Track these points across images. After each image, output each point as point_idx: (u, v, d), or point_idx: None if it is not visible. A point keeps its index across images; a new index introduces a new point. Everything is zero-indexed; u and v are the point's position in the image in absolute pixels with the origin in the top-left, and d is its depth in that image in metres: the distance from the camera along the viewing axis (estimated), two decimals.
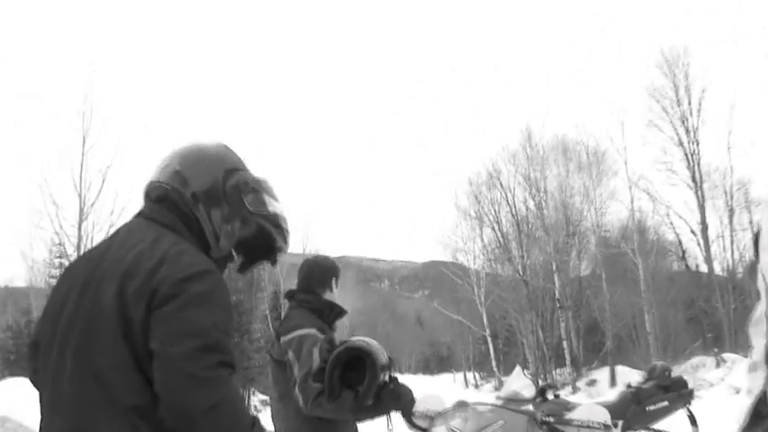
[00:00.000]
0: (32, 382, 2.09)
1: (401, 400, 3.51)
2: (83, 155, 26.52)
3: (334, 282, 4.05)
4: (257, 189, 2.29)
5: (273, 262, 2.49)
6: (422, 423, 3.46)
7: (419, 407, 3.53)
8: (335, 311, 3.96)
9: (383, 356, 3.45)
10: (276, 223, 2.36)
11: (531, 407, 9.88)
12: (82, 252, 26.53)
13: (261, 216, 2.28)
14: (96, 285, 1.93)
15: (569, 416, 3.37)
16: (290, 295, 4.05)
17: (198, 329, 1.84)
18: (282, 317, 4.11)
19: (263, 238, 2.33)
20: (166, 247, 1.97)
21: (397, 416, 3.70)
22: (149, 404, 1.81)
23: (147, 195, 2.20)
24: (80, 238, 26.63)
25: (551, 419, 3.34)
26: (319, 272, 4.05)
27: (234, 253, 2.29)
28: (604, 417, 3.35)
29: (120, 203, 29.42)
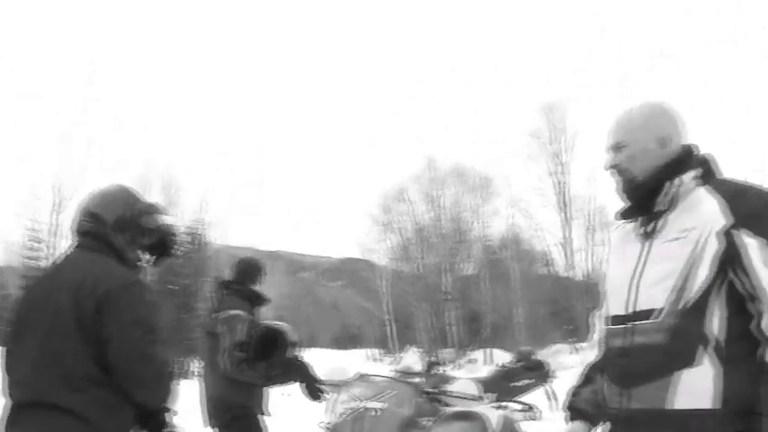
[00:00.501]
0: (6, 362, 2.33)
1: (303, 373, 3.81)
2: (59, 152, 25.78)
3: (261, 278, 4.33)
4: (150, 212, 2.61)
5: (172, 256, 2.78)
6: (329, 389, 3.46)
7: (326, 376, 3.58)
8: (261, 300, 4.23)
9: (293, 337, 3.84)
10: (165, 233, 2.67)
11: (418, 379, 9.91)
12: (57, 238, 25.85)
13: (154, 230, 2.60)
14: (56, 296, 2.27)
15: (448, 388, 3.36)
16: (226, 285, 4.29)
17: (142, 320, 2.29)
18: (217, 301, 4.27)
19: (160, 244, 2.65)
20: (102, 266, 2.37)
21: (298, 386, 3.93)
22: (98, 374, 2.19)
23: (77, 231, 2.53)
24: (56, 226, 25.81)
25: (434, 390, 3.32)
26: (252, 269, 4.33)
27: (142, 257, 2.60)
28: (475, 390, 3.38)
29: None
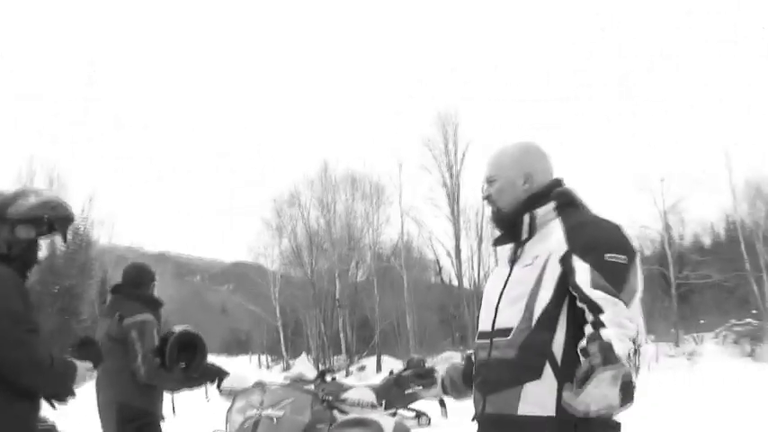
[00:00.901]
0: None
1: (219, 375, 3.83)
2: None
3: (152, 282, 4.33)
4: (13, 200, 2.68)
5: (64, 236, 2.90)
6: (228, 398, 3.42)
7: (226, 384, 3.57)
8: (158, 304, 4.23)
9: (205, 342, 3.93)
10: (35, 216, 2.68)
11: (312, 386, 9.89)
12: None
13: (21, 219, 2.65)
14: None
15: (344, 395, 3.43)
16: (118, 289, 4.31)
17: (10, 310, 2.38)
18: (111, 306, 4.27)
19: (40, 225, 2.72)
20: None
21: (212, 387, 3.98)
22: None
23: None
24: None
25: (330, 398, 3.36)
26: (144, 273, 4.32)
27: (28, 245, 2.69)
28: (372, 398, 3.47)
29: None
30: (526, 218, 2.18)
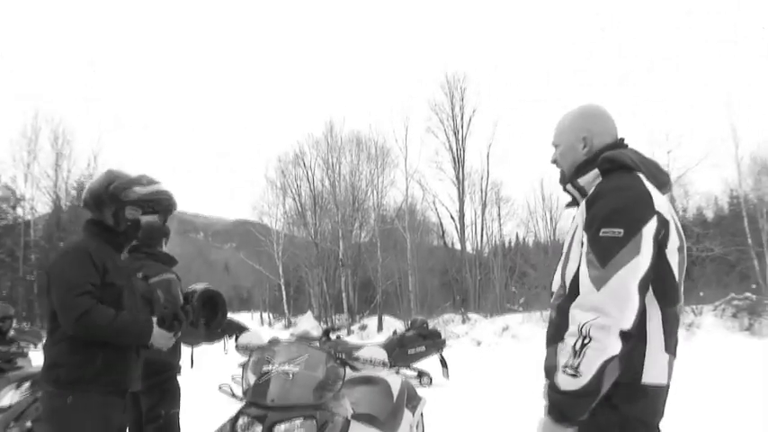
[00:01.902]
0: None
1: (239, 330, 4.06)
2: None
3: (165, 241, 4.33)
4: (129, 186, 3.26)
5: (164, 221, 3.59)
6: (243, 354, 3.46)
7: (241, 341, 3.57)
8: (173, 262, 4.32)
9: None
10: (145, 200, 3.31)
11: (317, 344, 9.98)
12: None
13: (133, 201, 3.27)
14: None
15: (357, 353, 3.46)
16: (135, 248, 4.17)
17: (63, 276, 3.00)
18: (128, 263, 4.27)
19: (143, 210, 3.32)
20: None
21: (230, 341, 4.17)
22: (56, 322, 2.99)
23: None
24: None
25: (343, 355, 3.39)
26: (158, 233, 4.10)
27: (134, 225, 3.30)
28: (383, 356, 3.49)
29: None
30: (570, 187, 2.33)
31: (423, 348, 11.16)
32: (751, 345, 16.10)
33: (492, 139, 33.20)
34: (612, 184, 2.12)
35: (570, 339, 1.94)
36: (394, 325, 25.81)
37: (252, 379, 3.15)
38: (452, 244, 36.12)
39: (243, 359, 3.43)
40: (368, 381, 4.50)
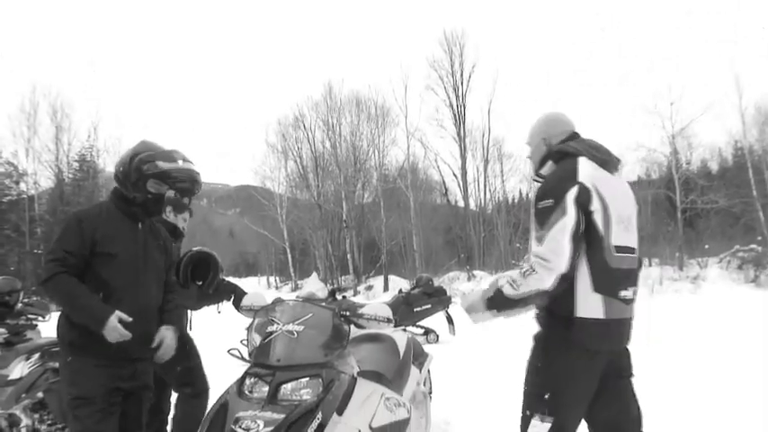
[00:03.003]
0: None
1: (235, 293, 4.13)
2: None
3: (170, 210, 4.27)
4: (152, 160, 3.25)
5: (188, 201, 3.56)
6: (247, 315, 3.46)
7: (245, 302, 3.59)
8: (177, 232, 4.29)
9: (220, 260, 4.11)
10: (166, 175, 3.27)
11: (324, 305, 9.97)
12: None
13: (154, 176, 3.25)
14: None
15: (361, 311, 3.44)
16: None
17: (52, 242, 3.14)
18: None
19: (168, 186, 3.31)
20: None
21: (228, 305, 4.27)
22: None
23: None
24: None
25: (347, 313, 3.38)
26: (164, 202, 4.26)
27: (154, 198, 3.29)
28: (387, 313, 3.47)
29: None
30: (534, 179, 3.02)
31: (428, 306, 11.17)
32: (756, 296, 16.14)
33: (492, 95, 33.15)
34: (552, 172, 2.84)
35: (521, 269, 2.64)
36: (400, 284, 25.89)
37: (257, 340, 3.14)
38: (456, 201, 36.19)
39: (248, 322, 3.43)
40: (374, 338, 4.50)
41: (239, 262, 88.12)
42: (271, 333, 3.09)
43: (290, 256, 43.41)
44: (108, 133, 55.61)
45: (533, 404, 2.71)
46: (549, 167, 2.90)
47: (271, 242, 47.59)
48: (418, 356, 4.77)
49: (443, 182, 35.81)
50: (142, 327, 3.20)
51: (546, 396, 2.66)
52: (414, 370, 4.39)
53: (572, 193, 2.58)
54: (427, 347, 9.21)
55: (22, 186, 34.34)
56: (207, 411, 2.99)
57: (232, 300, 4.24)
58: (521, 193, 40.80)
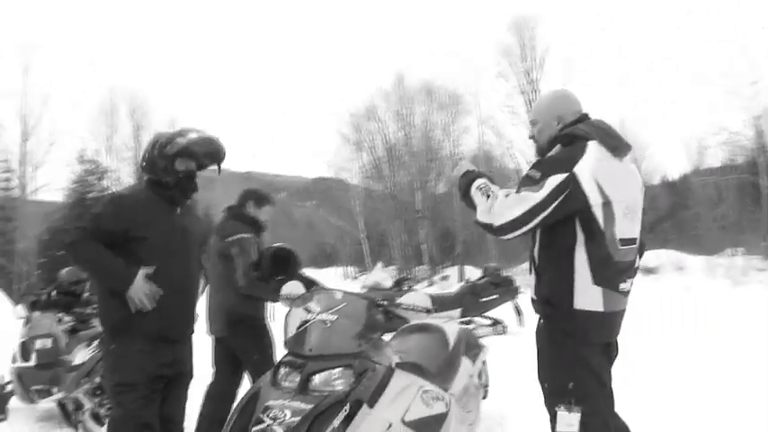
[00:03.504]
0: None
1: (312, 286, 4.03)
2: (24, 84, 25.00)
3: (251, 204, 4.70)
4: (172, 139, 3.30)
5: (218, 168, 3.56)
6: (286, 304, 3.45)
7: (284, 291, 3.59)
8: (258, 225, 4.64)
9: (299, 256, 4.27)
10: (188, 149, 3.31)
11: (388, 294, 9.89)
12: (26, 167, 25.51)
13: (177, 154, 3.29)
14: None
15: (399, 300, 3.36)
16: (230, 209, 4.76)
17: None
18: (221, 224, 4.69)
19: (195, 159, 3.37)
20: None
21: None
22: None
23: None
24: (24, 154, 25.35)
25: (385, 302, 3.31)
26: (245, 197, 4.75)
27: (181, 178, 3.35)
28: (427, 303, 3.38)
29: (59, 126, 28.26)
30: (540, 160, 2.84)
31: (495, 296, 10.95)
32: None
33: (566, 80, 32.18)
34: (557, 152, 2.76)
35: (486, 190, 2.77)
36: (475, 274, 25.55)
37: (292, 329, 3.11)
38: None
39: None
40: (423, 329, 4.42)
41: (317, 253, 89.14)
42: (305, 322, 3.05)
43: (365, 246, 43.67)
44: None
45: (558, 396, 2.68)
46: (556, 151, 2.78)
47: (347, 233, 47.96)
48: (472, 348, 4.67)
49: (518, 170, 35.25)
50: (181, 308, 3.38)
51: (570, 386, 2.64)
52: (465, 362, 4.29)
53: (556, 179, 2.55)
54: (495, 339, 9.05)
55: (105, 183, 35.58)
56: (240, 399, 2.97)
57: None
58: None
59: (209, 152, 3.41)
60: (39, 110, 25.23)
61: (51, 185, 32.45)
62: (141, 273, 3.11)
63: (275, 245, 4.46)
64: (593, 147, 2.63)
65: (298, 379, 2.84)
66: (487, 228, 2.68)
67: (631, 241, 2.71)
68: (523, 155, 33.27)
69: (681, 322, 10.34)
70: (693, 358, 7.51)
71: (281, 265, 4.31)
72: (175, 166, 3.31)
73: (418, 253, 36.37)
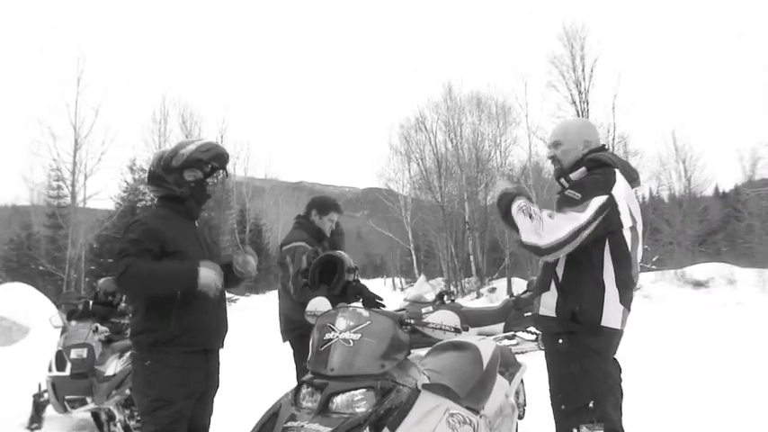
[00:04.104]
0: None
1: (362, 294, 4.10)
2: (77, 93, 25.53)
3: (314, 213, 4.95)
4: (175, 152, 3.34)
5: (222, 174, 3.62)
6: (311, 320, 3.34)
7: (310, 307, 3.49)
8: (320, 233, 4.89)
9: (350, 263, 4.16)
10: (193, 157, 3.33)
11: (431, 307, 9.75)
12: (77, 175, 26.17)
13: (184, 165, 3.32)
14: None
15: (426, 319, 3.21)
16: (297, 218, 5.03)
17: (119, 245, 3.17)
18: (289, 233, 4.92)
19: (201, 167, 3.40)
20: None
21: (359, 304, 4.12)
22: None
23: None
24: (75, 164, 25.92)
25: (412, 321, 3.17)
26: (310, 206, 4.99)
27: (193, 191, 3.40)
28: (455, 321, 3.22)
29: (110, 135, 28.83)
30: (562, 180, 3.05)
31: None
32: None
33: (617, 90, 31.64)
34: (588, 177, 2.89)
35: (528, 210, 2.80)
36: (522, 286, 25.20)
37: (313, 348, 3.01)
38: None
39: None
40: (457, 347, 4.29)
41: (366, 263, 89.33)
42: (328, 341, 2.95)
43: (414, 257, 43.53)
44: (236, 139, 57.90)
45: (579, 416, 2.76)
46: (580, 173, 2.95)
47: (396, 244, 47.94)
48: (509, 367, 4.53)
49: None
50: (216, 318, 3.45)
51: (590, 404, 2.73)
52: (501, 381, 4.16)
53: (599, 200, 2.68)
54: (535, 355, 8.84)
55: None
56: (260, 418, 2.88)
57: (361, 301, 4.22)
58: (650, 191, 38.93)
59: (214, 156, 3.43)
60: (91, 119, 25.66)
61: (102, 194, 33.03)
62: (204, 265, 3.18)
63: (324, 252, 4.44)
64: (619, 174, 2.82)
65: (318, 399, 2.74)
66: (533, 249, 2.74)
67: (639, 265, 2.93)
68: None
69: (732, 336, 10.01)
70: (742, 374, 7.30)
71: (330, 273, 4.25)
72: (185, 177, 3.35)
73: (466, 265, 36.07)
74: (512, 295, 11.56)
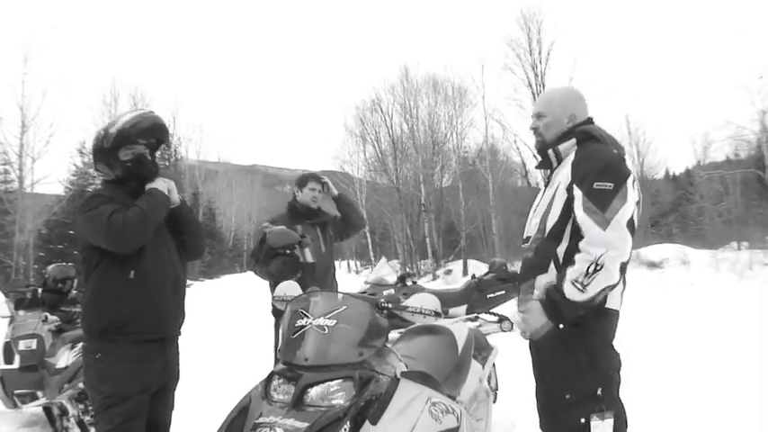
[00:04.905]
0: None
1: (297, 271, 4.29)
2: (24, 74, 24.71)
3: (296, 189, 4.94)
4: (103, 135, 3.04)
5: (163, 142, 3.23)
6: (279, 306, 3.10)
7: (278, 292, 3.20)
8: (307, 208, 4.87)
9: (280, 240, 4.31)
10: (124, 134, 3.02)
11: (392, 290, 9.60)
12: (24, 159, 25.34)
13: (115, 145, 3.03)
14: None
15: (405, 302, 2.99)
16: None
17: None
18: None
19: (135, 141, 3.07)
20: None
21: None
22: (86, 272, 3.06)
23: None
24: (22, 146, 25.09)
25: (390, 305, 2.95)
26: (299, 182, 4.95)
27: (129, 167, 3.08)
28: (435, 304, 2.99)
29: (58, 118, 28.00)
30: (551, 152, 2.85)
31: (502, 292, 10.57)
32: None
33: (572, 74, 31.77)
34: (592, 149, 2.66)
35: (584, 264, 2.46)
36: (479, 268, 25.29)
37: (284, 335, 2.77)
38: (536, 183, 35.12)
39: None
40: (430, 330, 4.10)
41: None
42: (300, 328, 2.71)
43: (369, 240, 43.45)
44: (188, 122, 57.10)
45: (587, 406, 2.58)
46: (569, 146, 2.78)
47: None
48: (481, 350, 4.38)
49: (523, 163, 34.86)
50: (173, 300, 3.18)
51: (598, 392, 2.58)
52: (475, 365, 3.99)
53: (630, 181, 2.54)
54: (501, 336, 8.75)
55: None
56: (228, 413, 2.65)
57: (297, 278, 4.10)
58: None
59: (146, 128, 3.10)
60: (38, 100, 24.86)
61: (50, 178, 32.15)
62: (158, 182, 3.14)
63: (265, 228, 4.55)
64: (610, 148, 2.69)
65: (292, 392, 2.51)
66: (624, 267, 2.51)
67: None
68: (529, 148, 32.95)
69: (686, 316, 10.12)
70: (698, 353, 7.32)
71: (282, 248, 4.40)
72: (120, 156, 3.07)
73: (422, 247, 36.12)
74: (473, 276, 11.45)
